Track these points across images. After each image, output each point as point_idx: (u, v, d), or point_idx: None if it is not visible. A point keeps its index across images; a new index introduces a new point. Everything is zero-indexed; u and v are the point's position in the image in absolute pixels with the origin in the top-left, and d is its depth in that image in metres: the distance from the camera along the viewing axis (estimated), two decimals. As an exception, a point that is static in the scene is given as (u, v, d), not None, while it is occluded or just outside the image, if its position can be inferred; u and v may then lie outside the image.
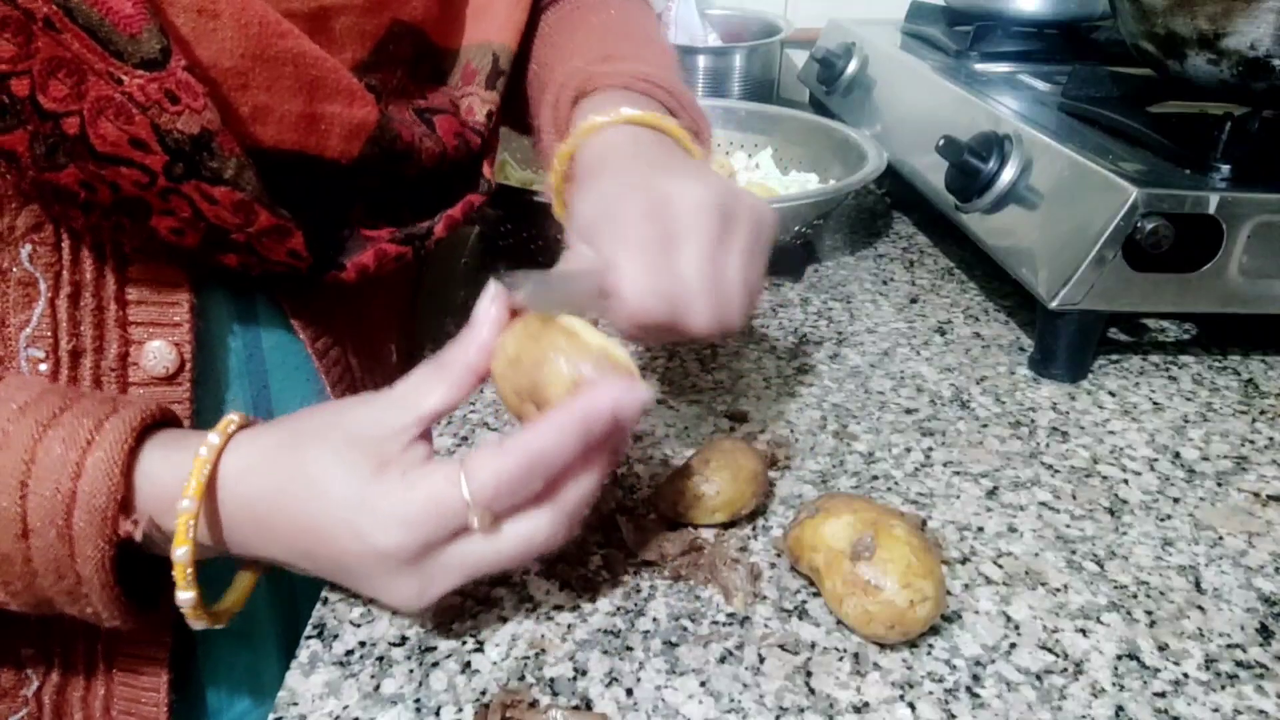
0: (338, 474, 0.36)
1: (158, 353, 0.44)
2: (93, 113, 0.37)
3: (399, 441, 0.37)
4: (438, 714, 0.37)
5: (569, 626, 0.41)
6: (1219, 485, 0.52)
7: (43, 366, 0.42)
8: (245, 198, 0.41)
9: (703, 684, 0.39)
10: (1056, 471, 0.53)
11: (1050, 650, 0.41)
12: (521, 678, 0.39)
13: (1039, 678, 0.39)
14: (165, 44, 0.37)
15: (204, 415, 0.46)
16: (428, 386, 0.38)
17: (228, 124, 0.40)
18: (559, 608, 0.42)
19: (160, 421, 0.39)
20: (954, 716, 0.37)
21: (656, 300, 0.39)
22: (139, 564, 0.39)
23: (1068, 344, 0.62)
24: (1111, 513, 0.50)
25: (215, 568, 0.40)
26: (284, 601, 0.53)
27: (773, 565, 0.45)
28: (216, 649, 0.51)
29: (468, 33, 0.56)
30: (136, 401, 0.39)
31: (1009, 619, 0.42)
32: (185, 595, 0.37)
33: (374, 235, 0.49)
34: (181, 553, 0.36)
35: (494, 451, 0.35)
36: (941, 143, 0.69)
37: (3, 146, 0.37)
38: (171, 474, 0.37)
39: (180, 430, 0.40)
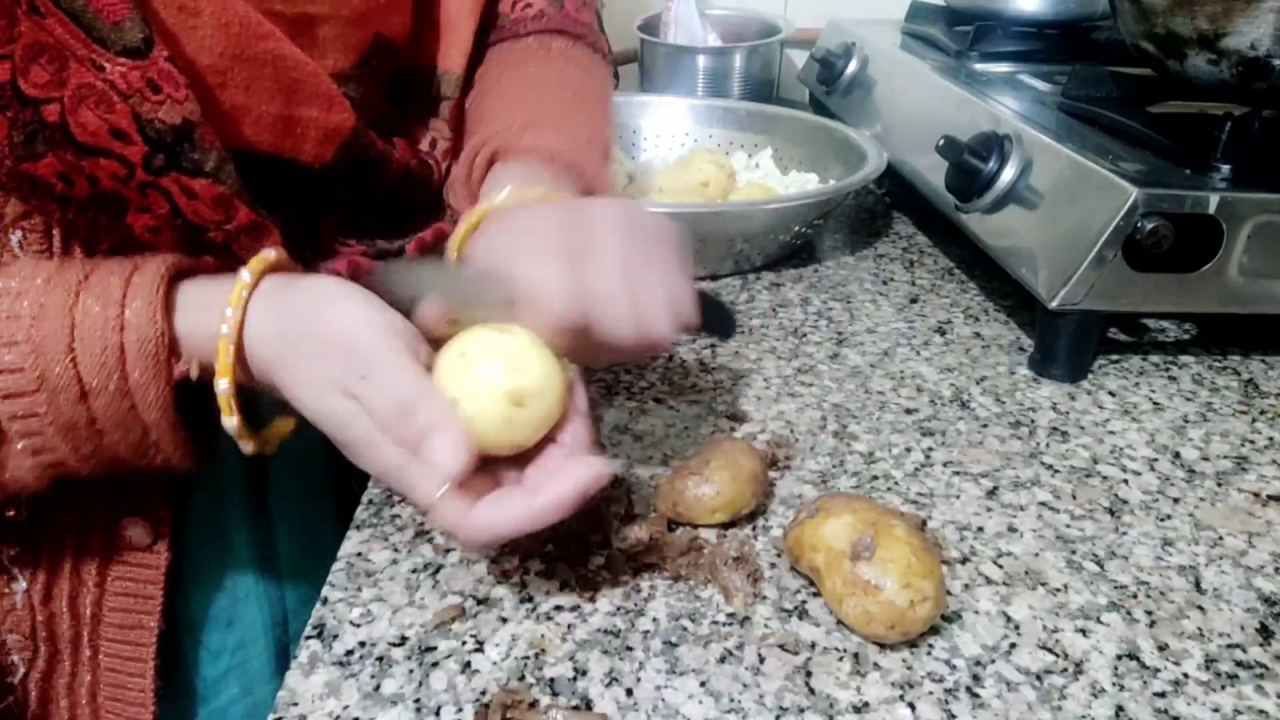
0: (331, 417, 0.38)
1: None
2: (74, 100, 0.37)
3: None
4: (438, 714, 0.37)
5: (569, 626, 0.41)
6: (1219, 485, 0.52)
7: None
8: (225, 191, 0.41)
9: (703, 684, 0.39)
10: (1056, 471, 0.53)
11: (1050, 650, 0.41)
12: (521, 678, 0.39)
13: (1039, 678, 0.39)
14: (147, 33, 0.37)
15: None
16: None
17: (206, 120, 0.40)
18: (559, 608, 0.42)
19: (182, 271, 0.40)
20: (954, 716, 0.37)
21: (571, 300, 0.39)
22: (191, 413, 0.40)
23: (1068, 344, 0.62)
24: (1111, 513, 0.50)
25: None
26: (272, 587, 0.53)
27: (773, 565, 0.45)
28: (204, 635, 0.51)
29: (437, 55, 0.55)
30: (156, 256, 0.40)
31: (1009, 619, 0.42)
32: (229, 421, 0.39)
33: (344, 250, 0.49)
34: (223, 384, 0.38)
35: (463, 512, 0.37)
36: (941, 143, 0.69)
37: None
38: (203, 322, 0.38)
39: (203, 278, 0.41)
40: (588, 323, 0.39)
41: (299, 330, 0.38)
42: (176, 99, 0.38)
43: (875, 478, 0.52)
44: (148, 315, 0.37)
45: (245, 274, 0.39)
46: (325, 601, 0.43)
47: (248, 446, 0.41)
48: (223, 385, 0.38)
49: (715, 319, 0.55)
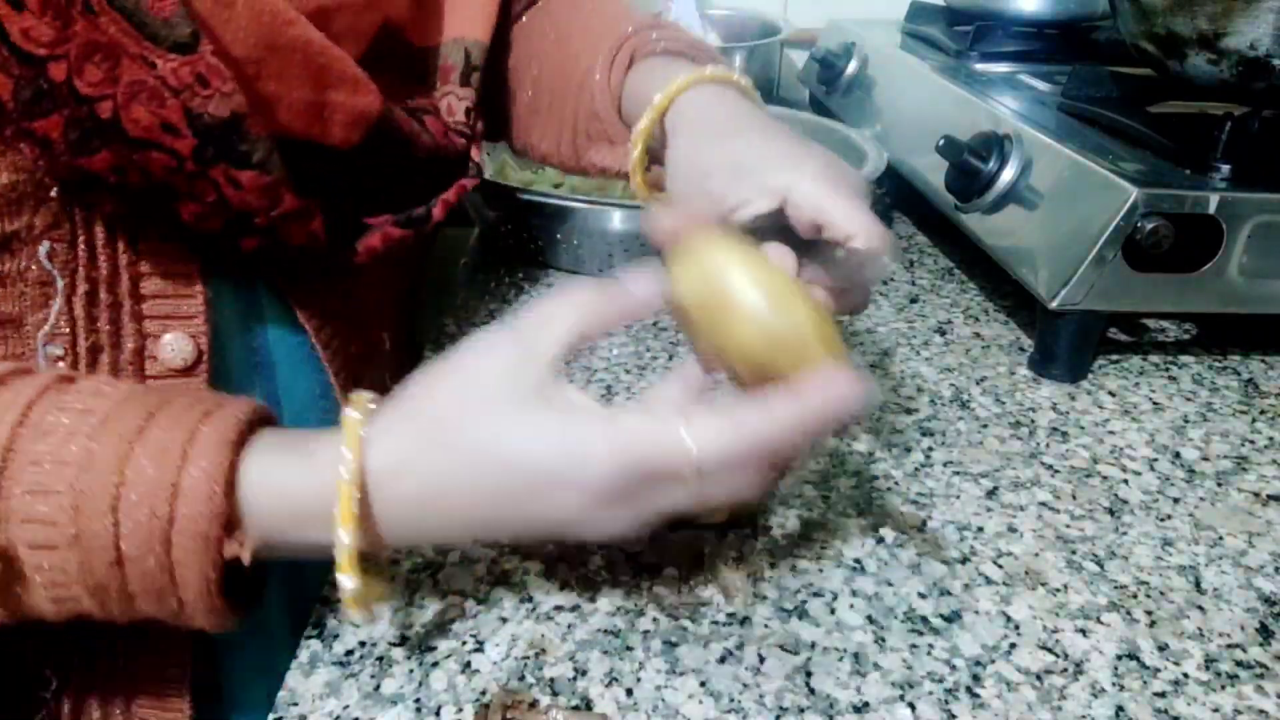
0: (520, 440, 0.34)
1: (174, 345, 0.44)
2: (126, 96, 0.37)
3: (547, 376, 0.35)
4: (438, 714, 0.37)
5: (569, 626, 0.41)
6: (1219, 485, 0.52)
7: (61, 364, 0.42)
8: (272, 180, 0.41)
9: (703, 684, 0.39)
10: (1056, 471, 0.53)
11: (1050, 650, 0.41)
12: (521, 678, 0.39)
13: (1039, 678, 0.39)
14: (195, 28, 0.38)
15: None
16: (558, 314, 0.36)
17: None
18: (559, 608, 0.42)
19: (256, 423, 0.37)
20: (954, 716, 0.37)
21: (877, 225, 0.40)
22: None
23: (1068, 344, 0.62)
24: (1111, 513, 0.50)
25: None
26: (298, 591, 0.53)
27: (773, 565, 0.45)
28: (235, 650, 0.51)
29: (440, 32, 0.56)
30: (229, 405, 0.36)
31: (1009, 619, 0.42)
32: (357, 614, 0.37)
33: (374, 222, 0.50)
34: (352, 588, 0.35)
35: (726, 425, 0.34)
36: (941, 143, 0.69)
37: (38, 132, 0.37)
38: (286, 486, 0.35)
39: (280, 432, 0.38)
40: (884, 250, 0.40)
41: (447, 397, 0.36)
42: (224, 92, 0.39)
43: (875, 478, 0.52)
44: (206, 488, 0.33)
45: (351, 412, 0.35)
46: (325, 601, 0.43)
47: (369, 621, 0.40)
48: (347, 584, 0.35)
49: None
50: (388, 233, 0.49)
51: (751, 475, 0.35)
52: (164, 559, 0.33)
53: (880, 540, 0.47)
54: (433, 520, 0.36)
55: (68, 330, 0.42)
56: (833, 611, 0.42)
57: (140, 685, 0.47)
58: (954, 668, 0.40)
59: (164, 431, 0.34)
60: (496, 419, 0.35)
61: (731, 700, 0.38)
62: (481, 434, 0.35)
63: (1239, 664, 0.40)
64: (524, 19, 0.62)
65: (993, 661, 0.40)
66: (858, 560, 0.46)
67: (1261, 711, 0.38)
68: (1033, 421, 0.58)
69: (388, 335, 0.59)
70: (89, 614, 0.36)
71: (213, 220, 0.42)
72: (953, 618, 0.42)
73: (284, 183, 0.42)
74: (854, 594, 0.43)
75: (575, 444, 0.34)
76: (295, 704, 0.38)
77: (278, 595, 0.52)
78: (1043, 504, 0.50)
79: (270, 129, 0.43)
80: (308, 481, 0.35)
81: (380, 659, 0.40)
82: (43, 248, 0.41)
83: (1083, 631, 0.42)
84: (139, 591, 0.35)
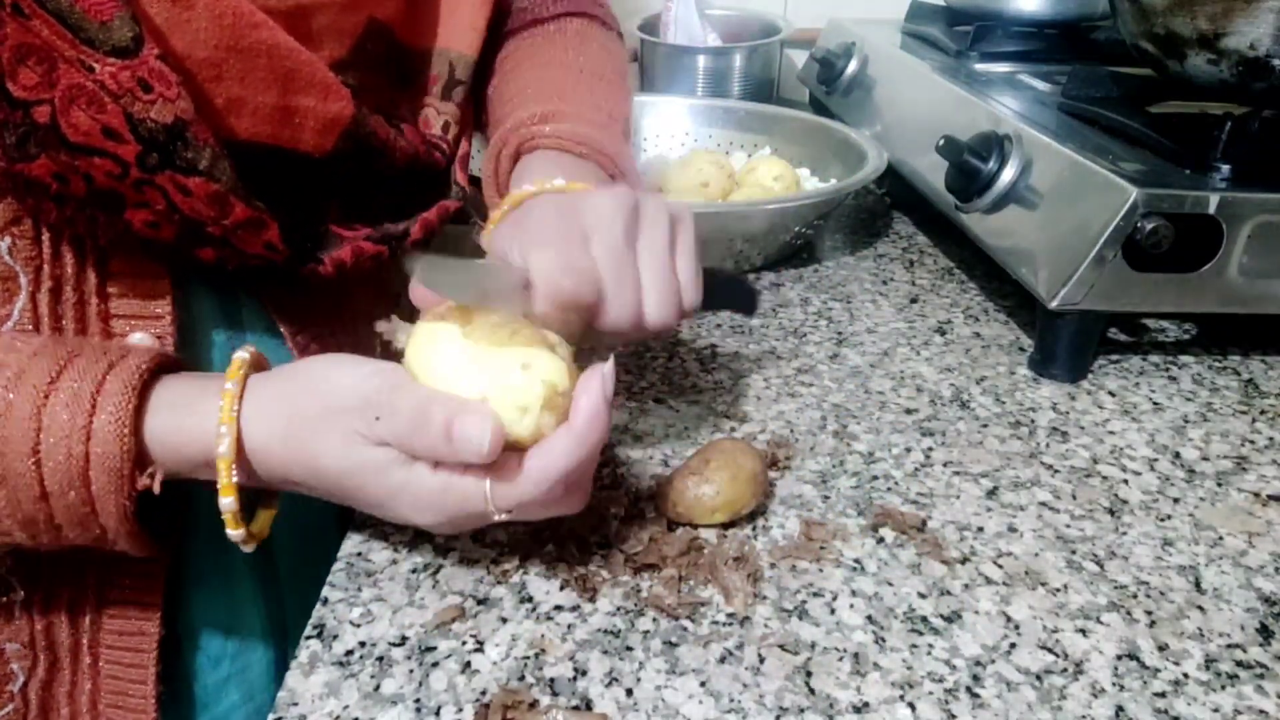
0: (341, 377, 0.39)
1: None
2: (64, 101, 0.37)
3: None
4: (438, 714, 0.37)
5: (569, 626, 0.41)
6: (1219, 485, 0.52)
7: None
8: (220, 189, 0.41)
9: (703, 684, 0.39)
10: (1056, 471, 0.53)
11: (1050, 650, 0.41)
12: (521, 678, 0.39)
13: (1039, 678, 0.39)
14: (137, 32, 0.37)
15: None
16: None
17: (202, 115, 0.40)
18: (559, 608, 0.42)
19: (160, 368, 0.40)
20: (954, 716, 0.37)
21: (570, 277, 0.40)
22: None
23: (1068, 344, 0.62)
24: (1111, 513, 0.50)
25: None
26: (270, 591, 0.53)
27: (773, 565, 0.45)
28: (204, 641, 0.51)
29: (435, 36, 0.56)
30: (131, 354, 0.39)
31: (1009, 619, 0.42)
32: (236, 533, 0.40)
33: (349, 235, 0.49)
34: (227, 502, 0.39)
35: (517, 478, 0.37)
36: (941, 143, 0.69)
37: None
38: (183, 434, 0.39)
39: (181, 381, 0.41)
40: (589, 303, 0.40)
41: (305, 406, 0.39)
42: (168, 97, 0.38)
43: (875, 478, 0.52)
44: (115, 429, 0.37)
45: (229, 384, 0.39)
46: (325, 601, 0.43)
47: (249, 547, 0.41)
48: (227, 503, 0.39)
49: (736, 296, 0.55)
50: (359, 247, 0.49)
51: None
52: (84, 494, 0.37)
53: (880, 540, 0.47)
54: (292, 443, 0.39)
55: (31, 327, 0.42)
56: (833, 611, 0.42)
57: (106, 684, 0.47)
58: (954, 668, 0.40)
59: (74, 382, 0.37)
60: (339, 375, 0.39)
61: (731, 700, 0.38)
62: (324, 373, 0.39)
63: (1239, 664, 0.40)
64: (508, 45, 0.61)
65: (993, 661, 0.40)
66: (858, 560, 0.46)
67: (1261, 711, 0.38)
68: (1033, 421, 0.58)
69: (378, 342, 0.59)
70: (22, 545, 0.39)
71: (165, 229, 0.41)
72: (953, 618, 0.42)
73: (235, 191, 0.42)
74: (854, 594, 0.43)
75: (409, 490, 0.38)
76: (295, 704, 0.38)
77: (251, 598, 0.52)
78: (1043, 504, 0.50)
79: (235, 133, 0.42)
80: (207, 400, 0.38)
81: (380, 659, 0.40)
82: (4, 243, 0.40)
83: (1083, 631, 0.42)
84: (65, 522, 0.38)
